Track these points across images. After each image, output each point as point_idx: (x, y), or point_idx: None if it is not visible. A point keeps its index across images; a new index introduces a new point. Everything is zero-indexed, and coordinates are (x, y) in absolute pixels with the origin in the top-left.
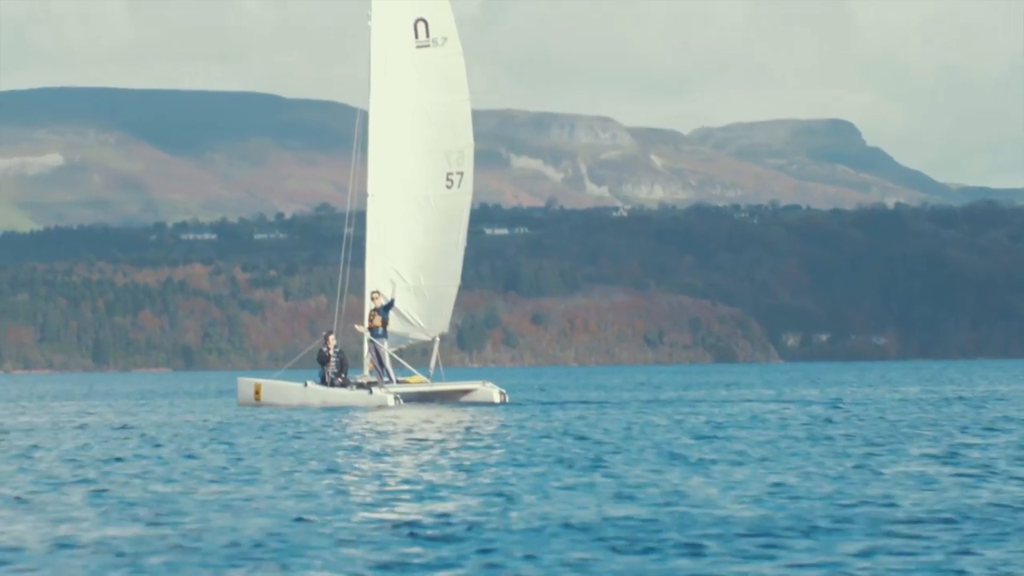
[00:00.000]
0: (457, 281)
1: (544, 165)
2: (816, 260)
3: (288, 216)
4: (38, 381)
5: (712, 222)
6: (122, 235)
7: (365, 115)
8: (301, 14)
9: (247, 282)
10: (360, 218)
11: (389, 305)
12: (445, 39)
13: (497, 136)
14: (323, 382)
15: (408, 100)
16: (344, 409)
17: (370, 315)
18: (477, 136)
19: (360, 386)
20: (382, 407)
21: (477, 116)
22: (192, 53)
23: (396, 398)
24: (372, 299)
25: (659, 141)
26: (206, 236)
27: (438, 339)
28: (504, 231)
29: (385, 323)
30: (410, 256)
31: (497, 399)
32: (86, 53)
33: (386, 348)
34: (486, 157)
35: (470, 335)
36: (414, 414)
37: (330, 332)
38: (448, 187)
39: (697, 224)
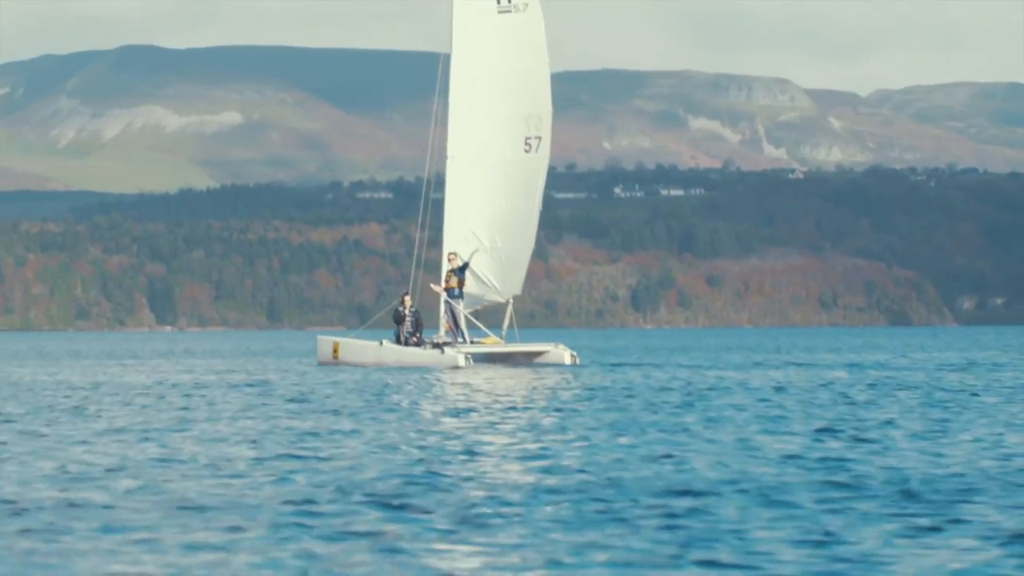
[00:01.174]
0: (532, 244)
1: (722, 127)
2: (993, 224)
3: None
4: (201, 337)
5: (889, 185)
6: (299, 194)
7: (447, 59)
8: None
9: (423, 241)
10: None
11: (464, 267)
12: (526, 5)
13: (675, 97)
14: (398, 341)
15: (489, 65)
16: (416, 368)
17: (447, 276)
18: (656, 97)
19: (435, 346)
20: (453, 367)
21: (655, 77)
22: (372, 12)
23: (467, 358)
24: (449, 260)
25: (837, 103)
26: (382, 195)
27: (511, 301)
28: (680, 192)
29: (461, 284)
30: (487, 219)
31: (568, 361)
32: (266, 12)
33: (462, 309)
34: (663, 118)
35: (644, 296)
36: (483, 374)
37: (407, 293)
38: (526, 151)
39: (874, 186)
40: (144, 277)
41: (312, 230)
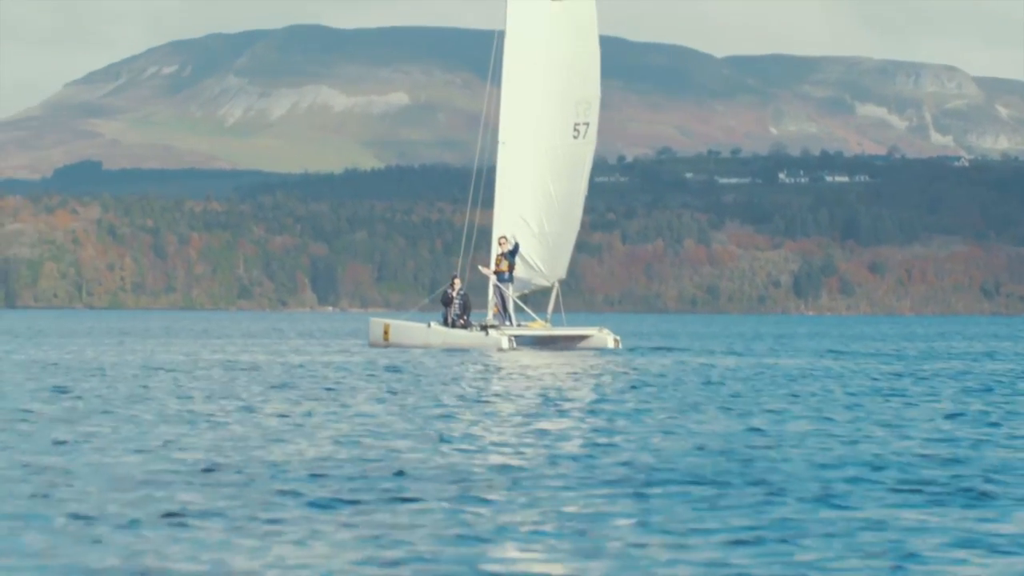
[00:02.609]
0: (577, 228)
1: (888, 113)
2: None
3: (630, 160)
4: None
5: None
6: (464, 175)
7: (502, 35)
8: None
9: (586, 224)
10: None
11: (515, 250)
12: None
13: (843, 83)
14: (445, 323)
15: (541, 51)
16: (462, 349)
17: (496, 259)
18: (823, 83)
19: (482, 328)
20: (498, 349)
21: (823, 62)
22: None
23: (511, 340)
24: (499, 244)
25: (1005, 91)
26: None
27: (557, 284)
28: (844, 179)
29: (511, 268)
30: (536, 203)
31: (611, 345)
32: None
33: (511, 292)
34: (831, 104)
35: (806, 283)
36: (527, 356)
37: (456, 275)
38: (575, 137)
39: None
40: (307, 257)
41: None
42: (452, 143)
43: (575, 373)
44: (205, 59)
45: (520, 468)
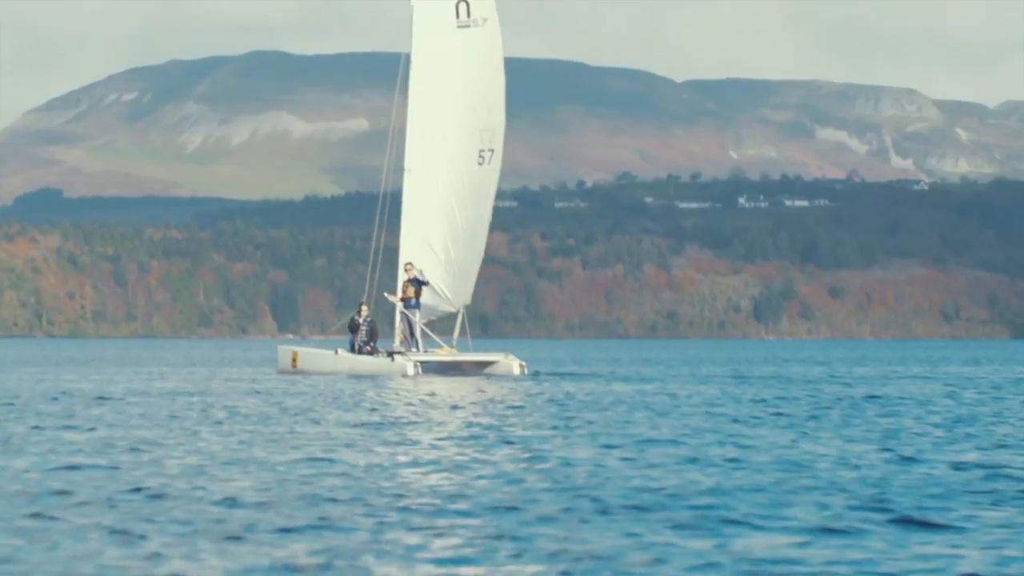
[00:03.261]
0: (481, 255)
1: (849, 137)
2: None
3: (589, 184)
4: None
5: (1015, 196)
6: None
7: (408, 58)
8: None
9: (546, 250)
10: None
11: (423, 283)
12: (485, 19)
13: (802, 107)
14: (352, 350)
15: (446, 76)
16: (368, 376)
17: (403, 286)
18: (783, 106)
19: (388, 355)
20: (403, 375)
21: (783, 86)
22: (502, 20)
23: (416, 367)
24: (405, 270)
25: (965, 114)
26: (507, 203)
27: (463, 310)
28: (804, 203)
29: (418, 294)
30: (442, 229)
31: (517, 371)
32: (392, 18)
33: (417, 319)
34: (790, 128)
35: (767, 307)
36: (432, 383)
37: (363, 302)
38: (480, 164)
39: (998, 198)
40: (267, 284)
41: None
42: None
43: (451, 399)
44: (165, 86)
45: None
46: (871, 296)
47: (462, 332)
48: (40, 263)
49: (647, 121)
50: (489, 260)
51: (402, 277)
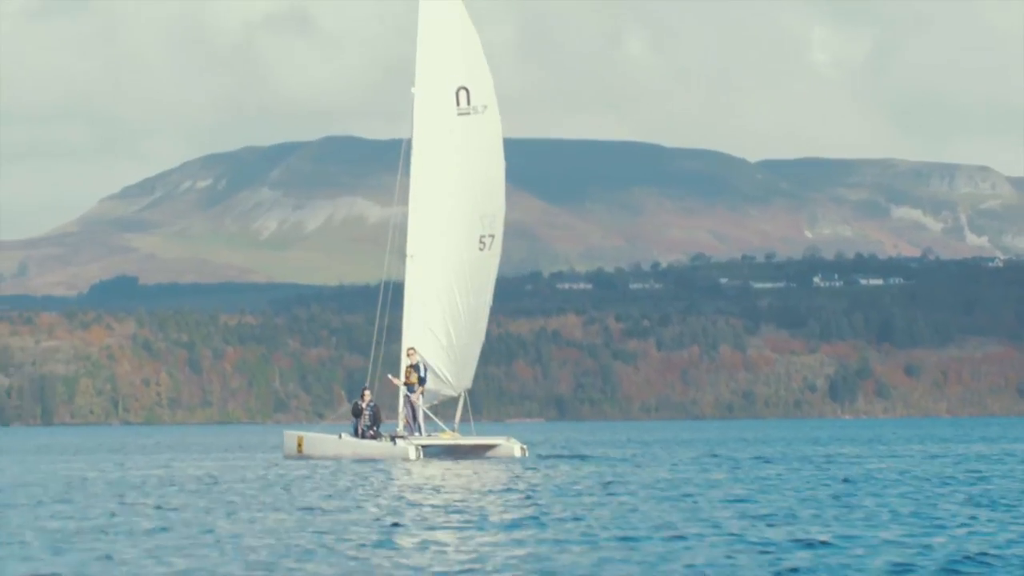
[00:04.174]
0: (482, 339)
1: (923, 215)
2: None
3: (664, 266)
4: None
5: None
6: (499, 284)
7: (409, 143)
8: (686, 60)
9: (620, 332)
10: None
11: (423, 380)
12: (485, 107)
13: (877, 186)
14: (356, 434)
15: (448, 165)
16: (371, 460)
17: (406, 371)
18: (858, 185)
19: (391, 438)
20: (405, 459)
21: (858, 165)
22: (573, 103)
23: (418, 450)
24: (408, 355)
25: None
26: (582, 286)
27: (465, 394)
28: (879, 281)
29: (421, 380)
30: (444, 315)
31: (518, 453)
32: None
33: (420, 403)
34: (866, 207)
35: (842, 386)
36: (432, 467)
37: (366, 387)
38: (481, 249)
39: None
40: (343, 369)
41: (511, 321)
42: None
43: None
44: (239, 172)
45: None
46: (947, 374)
47: (464, 416)
48: (116, 350)
49: (721, 202)
50: (564, 342)
51: (405, 362)
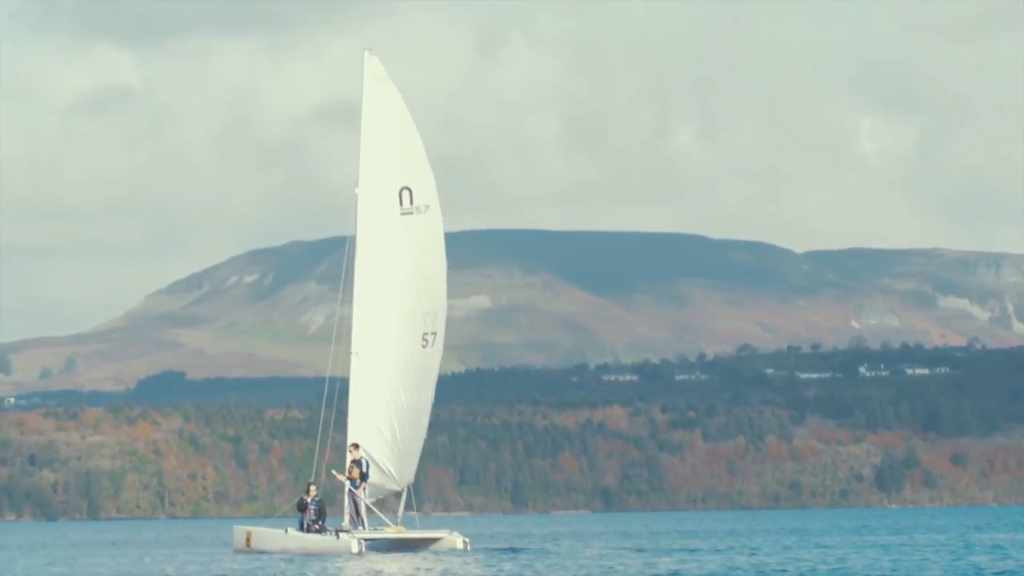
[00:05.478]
0: (424, 434)
1: (970, 304)
2: None
3: (710, 357)
4: None
5: None
6: (544, 377)
7: (353, 240)
8: (733, 151)
9: (666, 423)
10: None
11: (365, 475)
12: (427, 206)
13: (924, 276)
14: (301, 528)
15: (391, 264)
16: (315, 555)
17: (349, 467)
18: (904, 275)
19: (336, 533)
20: (347, 553)
21: (905, 255)
22: (622, 194)
23: (360, 544)
24: (350, 451)
25: None
26: (627, 377)
27: (408, 488)
28: (925, 371)
29: (363, 475)
30: (388, 411)
31: (460, 546)
32: (512, 196)
33: (364, 497)
34: (912, 297)
35: (889, 476)
36: (373, 561)
37: (311, 483)
38: (424, 347)
39: None
40: None
41: (556, 413)
42: (537, 345)
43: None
44: (286, 267)
45: None
46: (993, 463)
47: (408, 509)
48: (162, 445)
49: (768, 293)
50: (610, 434)
51: (349, 457)
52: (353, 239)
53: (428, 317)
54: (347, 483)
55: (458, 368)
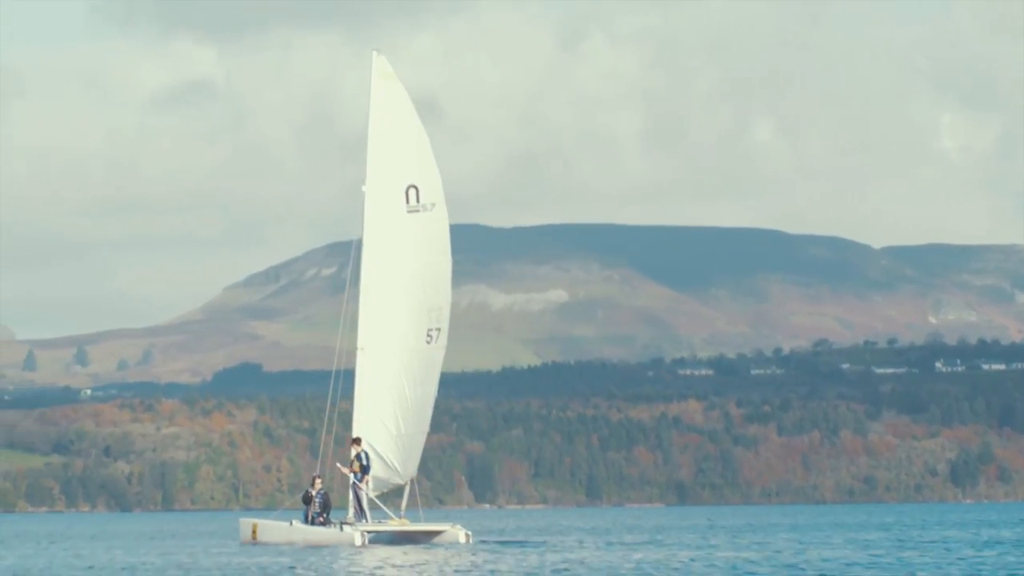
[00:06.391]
0: (427, 429)
1: None
2: None
3: (786, 351)
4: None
5: None
6: (620, 371)
7: (359, 242)
8: (812, 147)
9: (741, 417)
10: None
11: (366, 469)
12: (433, 204)
13: (1002, 271)
14: (306, 521)
15: (398, 261)
16: (319, 546)
17: (352, 460)
18: (983, 271)
19: (340, 525)
20: (352, 545)
21: (983, 251)
22: (701, 189)
23: (363, 537)
24: (352, 446)
25: None
26: (703, 372)
27: (412, 481)
28: (1001, 366)
29: (364, 469)
30: (393, 405)
31: (463, 540)
32: (590, 190)
33: (366, 491)
34: (990, 292)
35: (963, 471)
36: (376, 552)
37: (317, 476)
38: (428, 342)
39: None
40: (463, 455)
41: (631, 407)
42: (613, 339)
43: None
44: None
45: None
46: None
47: (412, 502)
48: (236, 437)
49: (846, 288)
50: (685, 428)
51: (353, 451)
52: (359, 239)
53: (433, 313)
54: (351, 476)
55: (534, 361)
